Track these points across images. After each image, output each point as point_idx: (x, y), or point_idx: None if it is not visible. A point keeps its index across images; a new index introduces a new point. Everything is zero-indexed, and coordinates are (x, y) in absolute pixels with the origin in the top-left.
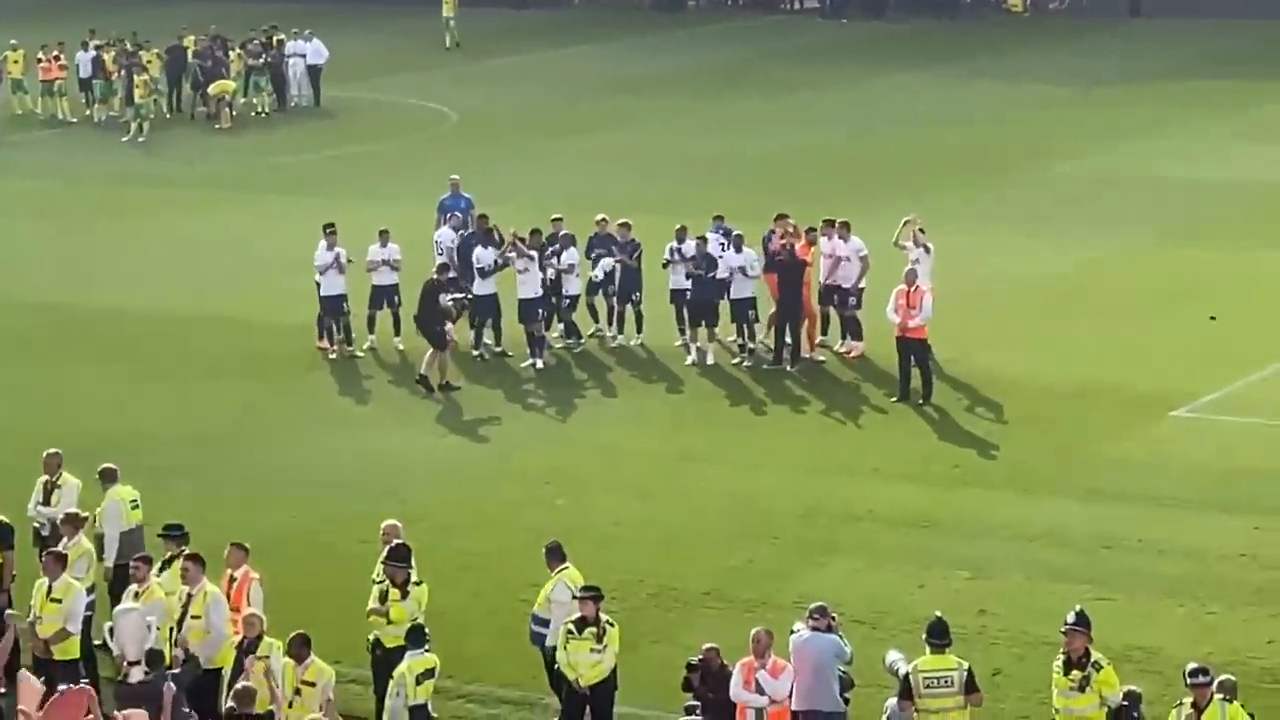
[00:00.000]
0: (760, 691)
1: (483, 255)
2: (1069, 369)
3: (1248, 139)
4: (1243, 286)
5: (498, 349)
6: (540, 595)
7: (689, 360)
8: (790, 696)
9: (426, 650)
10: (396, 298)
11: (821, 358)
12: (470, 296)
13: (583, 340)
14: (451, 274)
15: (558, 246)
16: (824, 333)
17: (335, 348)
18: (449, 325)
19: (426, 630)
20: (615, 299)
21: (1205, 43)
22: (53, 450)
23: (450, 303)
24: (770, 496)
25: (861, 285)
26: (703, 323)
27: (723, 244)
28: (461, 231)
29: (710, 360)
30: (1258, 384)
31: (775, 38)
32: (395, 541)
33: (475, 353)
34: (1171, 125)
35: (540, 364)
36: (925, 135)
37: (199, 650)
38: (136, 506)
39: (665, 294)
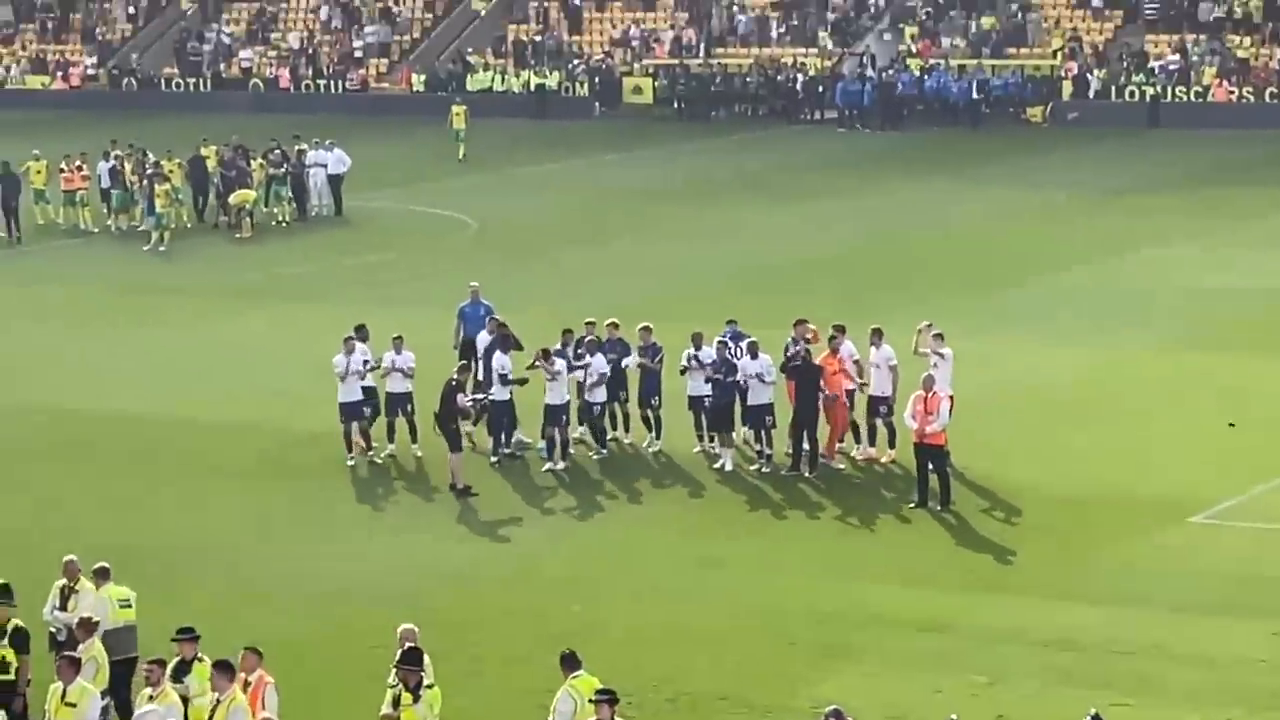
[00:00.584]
0: None
1: (502, 361)
2: (1086, 474)
3: (1263, 246)
4: (1260, 393)
5: (507, 450)
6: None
7: (714, 466)
8: None
9: None
10: (410, 405)
11: (841, 465)
12: (489, 399)
13: (605, 450)
14: (470, 374)
15: (584, 351)
16: (858, 441)
17: (353, 454)
18: (467, 425)
19: None
20: (614, 403)
21: (1221, 152)
22: (71, 557)
23: (469, 403)
24: (787, 601)
25: (891, 393)
26: (721, 429)
27: (730, 347)
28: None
29: (729, 467)
30: (1276, 490)
31: (795, 147)
32: (408, 645)
33: (493, 460)
34: (1187, 232)
35: (561, 466)
36: (942, 242)
37: None
38: (127, 606)
39: (682, 400)
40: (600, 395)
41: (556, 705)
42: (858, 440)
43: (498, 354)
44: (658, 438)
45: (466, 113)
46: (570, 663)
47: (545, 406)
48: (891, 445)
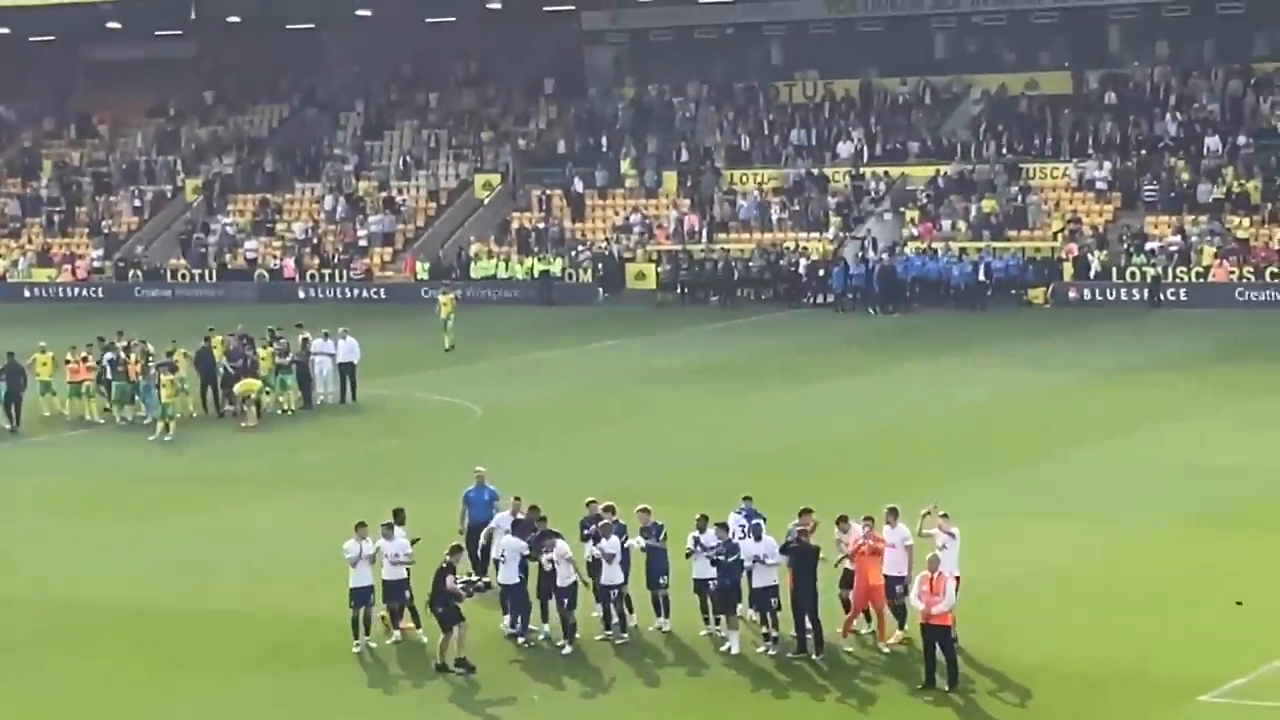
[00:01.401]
0: None
1: (516, 543)
2: (1095, 653)
3: (1268, 425)
4: (1266, 571)
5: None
6: None
7: (721, 650)
8: None
9: None
10: (407, 592)
11: (849, 647)
12: (483, 582)
13: (625, 634)
14: (461, 556)
15: (594, 529)
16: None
17: (359, 642)
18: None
19: None
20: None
21: (1224, 331)
22: None
23: (460, 586)
24: None
25: (907, 573)
26: (726, 611)
27: (743, 526)
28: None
29: (736, 649)
30: None
31: (798, 330)
32: None
33: (521, 640)
34: (1191, 411)
35: (569, 649)
36: (947, 423)
37: None
38: None
39: (687, 583)
40: (618, 576)
41: None
42: (868, 620)
43: (510, 536)
44: (666, 617)
45: (454, 301)
46: None
47: (556, 588)
48: (901, 625)
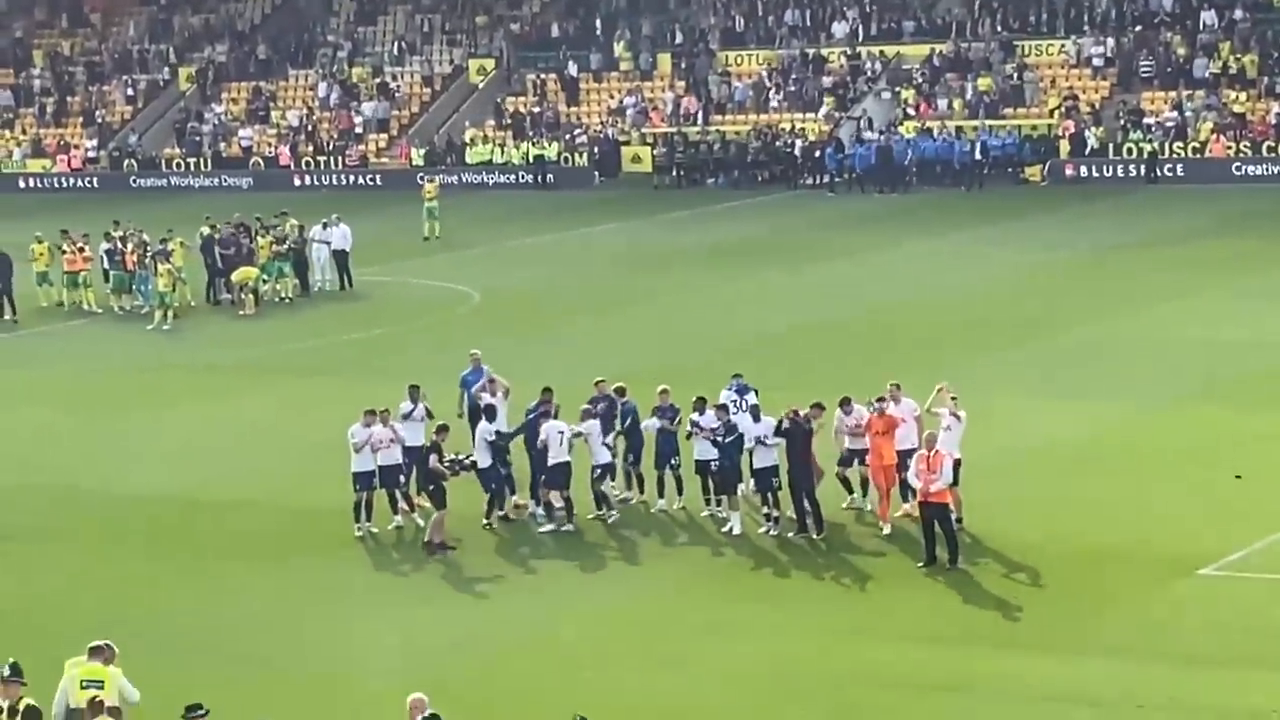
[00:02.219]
0: None
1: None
2: (1095, 529)
3: (1265, 299)
4: (1265, 445)
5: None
6: None
7: (723, 530)
8: None
9: None
10: (402, 477)
11: (886, 529)
12: (472, 460)
13: (615, 511)
14: (447, 435)
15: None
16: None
17: (361, 527)
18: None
19: None
20: (632, 465)
21: (1222, 206)
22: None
23: (445, 466)
24: (798, 664)
25: (918, 444)
26: (727, 492)
27: (734, 401)
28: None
29: (738, 529)
30: None
31: (795, 212)
32: (428, 712)
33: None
34: (1190, 287)
35: (570, 528)
36: (946, 302)
37: None
38: (89, 686)
39: (689, 464)
40: (605, 457)
41: None
42: (850, 492)
43: (482, 421)
44: (679, 494)
45: (438, 189)
46: None
47: (549, 466)
48: (906, 500)
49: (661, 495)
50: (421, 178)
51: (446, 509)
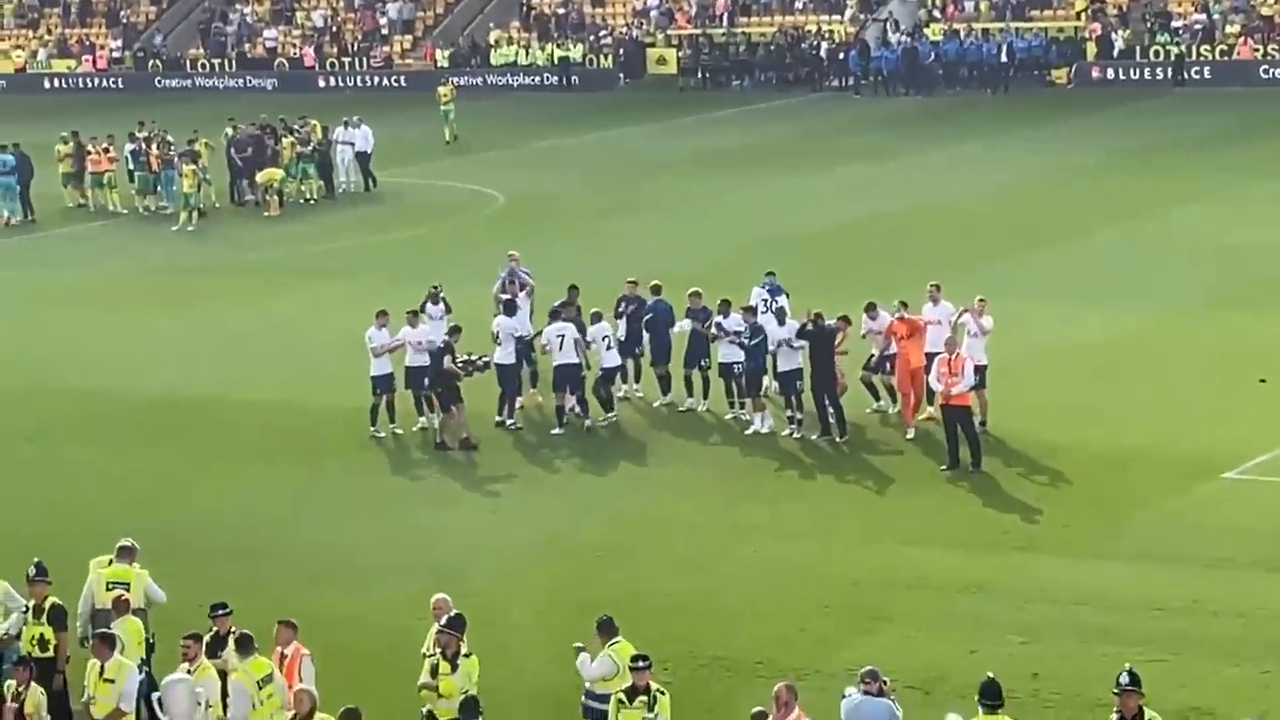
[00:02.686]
0: None
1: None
2: (1117, 434)
3: None
4: None
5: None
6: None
7: (747, 432)
8: None
9: None
10: (426, 380)
11: (910, 434)
12: (485, 361)
13: (614, 415)
14: (460, 336)
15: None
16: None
17: (377, 429)
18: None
19: (480, 704)
20: (654, 365)
21: (1249, 109)
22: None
23: (458, 366)
24: (820, 565)
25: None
26: (753, 393)
27: (765, 300)
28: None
29: (765, 429)
30: None
31: (821, 115)
32: (453, 613)
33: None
34: (1216, 190)
35: (588, 423)
36: (971, 205)
37: None
38: (114, 588)
39: (714, 367)
40: (614, 359)
41: (595, 670)
42: (877, 398)
43: (502, 317)
44: (705, 397)
45: (454, 92)
46: (607, 629)
47: (556, 367)
48: (931, 403)
49: (691, 395)
50: (445, 80)
51: (457, 409)
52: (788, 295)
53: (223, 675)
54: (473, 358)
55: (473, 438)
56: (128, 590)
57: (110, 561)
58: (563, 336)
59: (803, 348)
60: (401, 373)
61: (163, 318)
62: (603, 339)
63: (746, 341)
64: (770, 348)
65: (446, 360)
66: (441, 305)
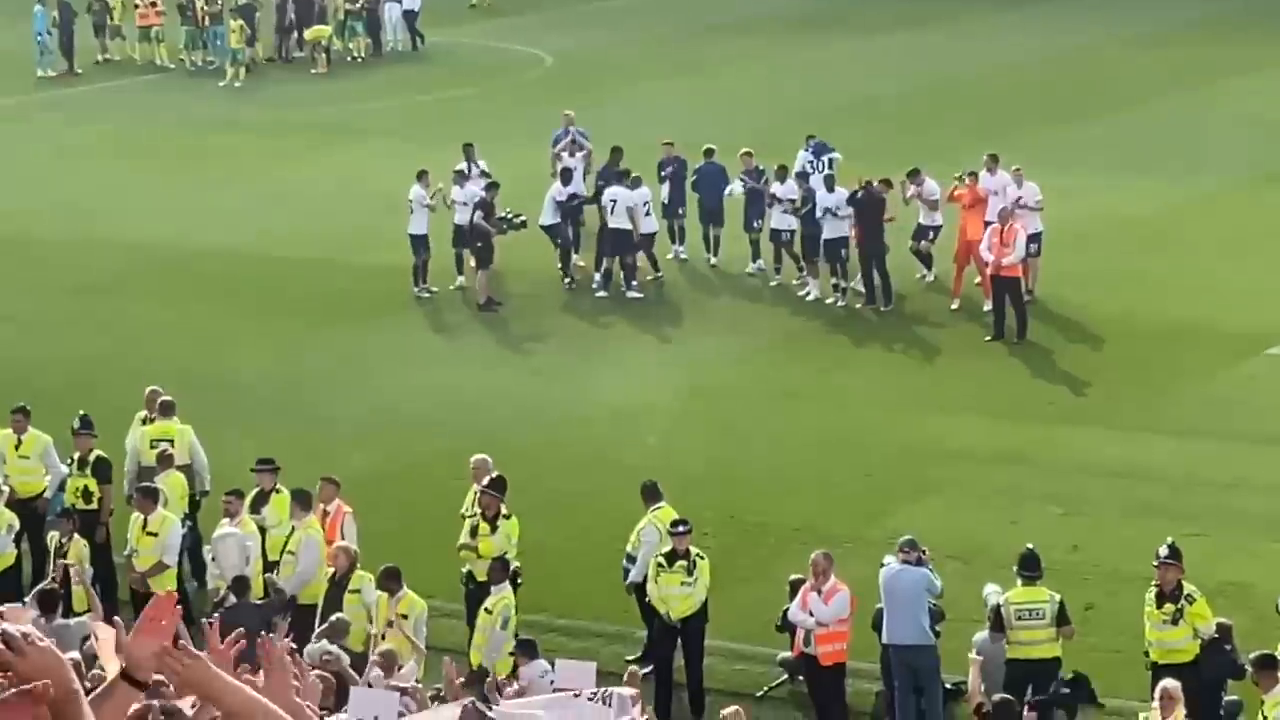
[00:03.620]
0: (811, 614)
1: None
2: (1163, 308)
3: None
4: None
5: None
6: (633, 534)
7: (802, 293)
8: (838, 621)
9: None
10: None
11: (955, 305)
12: (522, 219)
13: (660, 274)
14: (498, 192)
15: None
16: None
17: (421, 288)
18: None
19: (513, 566)
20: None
21: None
22: (154, 388)
23: (491, 224)
24: (863, 434)
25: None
26: (807, 258)
27: (811, 162)
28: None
29: (815, 295)
30: None
31: None
32: (495, 474)
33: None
34: (1267, 63)
35: (636, 294)
36: (1016, 76)
37: (287, 585)
38: (155, 445)
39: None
40: (652, 225)
41: (641, 536)
42: (928, 267)
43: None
44: (755, 259)
45: None
46: (652, 494)
47: (613, 232)
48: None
49: (757, 258)
50: None
51: (482, 272)
52: (834, 152)
53: (262, 531)
54: (509, 215)
55: (495, 297)
56: (171, 446)
57: (150, 419)
58: (615, 201)
59: (849, 216)
60: (447, 231)
61: (208, 173)
62: (643, 204)
63: (799, 210)
64: (818, 215)
65: (478, 216)
66: (480, 164)
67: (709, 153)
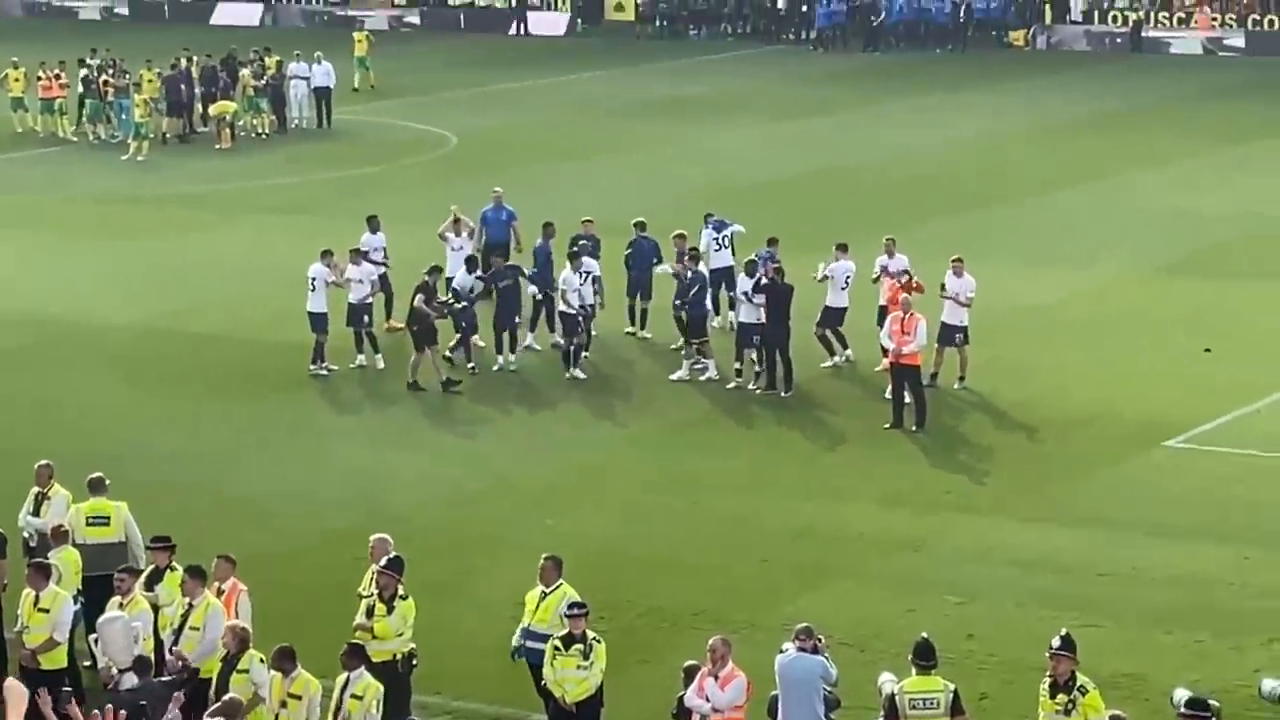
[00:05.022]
0: (708, 700)
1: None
2: (1064, 397)
3: (1246, 171)
4: (1239, 317)
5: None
6: (528, 609)
7: (673, 376)
8: (734, 707)
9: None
10: (367, 317)
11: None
12: (455, 305)
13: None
14: (440, 276)
15: (580, 251)
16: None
17: (318, 365)
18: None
19: (409, 648)
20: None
21: (1206, 76)
22: (44, 462)
23: (431, 308)
24: (762, 519)
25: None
26: (698, 338)
27: (716, 239)
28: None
29: (715, 375)
30: (1251, 416)
31: (776, 67)
32: (392, 554)
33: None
34: (1170, 156)
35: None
36: (923, 164)
37: (193, 659)
38: (94, 524)
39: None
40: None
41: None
42: (830, 353)
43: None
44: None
45: (369, 39)
46: (554, 570)
47: (561, 315)
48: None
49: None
50: (360, 25)
51: (431, 351)
52: (731, 226)
53: (155, 609)
54: (449, 300)
55: (451, 378)
56: (108, 524)
57: (43, 495)
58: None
59: (761, 303)
60: (342, 310)
61: (110, 247)
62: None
63: (689, 290)
64: (733, 296)
65: (419, 299)
66: (381, 235)
67: (640, 225)
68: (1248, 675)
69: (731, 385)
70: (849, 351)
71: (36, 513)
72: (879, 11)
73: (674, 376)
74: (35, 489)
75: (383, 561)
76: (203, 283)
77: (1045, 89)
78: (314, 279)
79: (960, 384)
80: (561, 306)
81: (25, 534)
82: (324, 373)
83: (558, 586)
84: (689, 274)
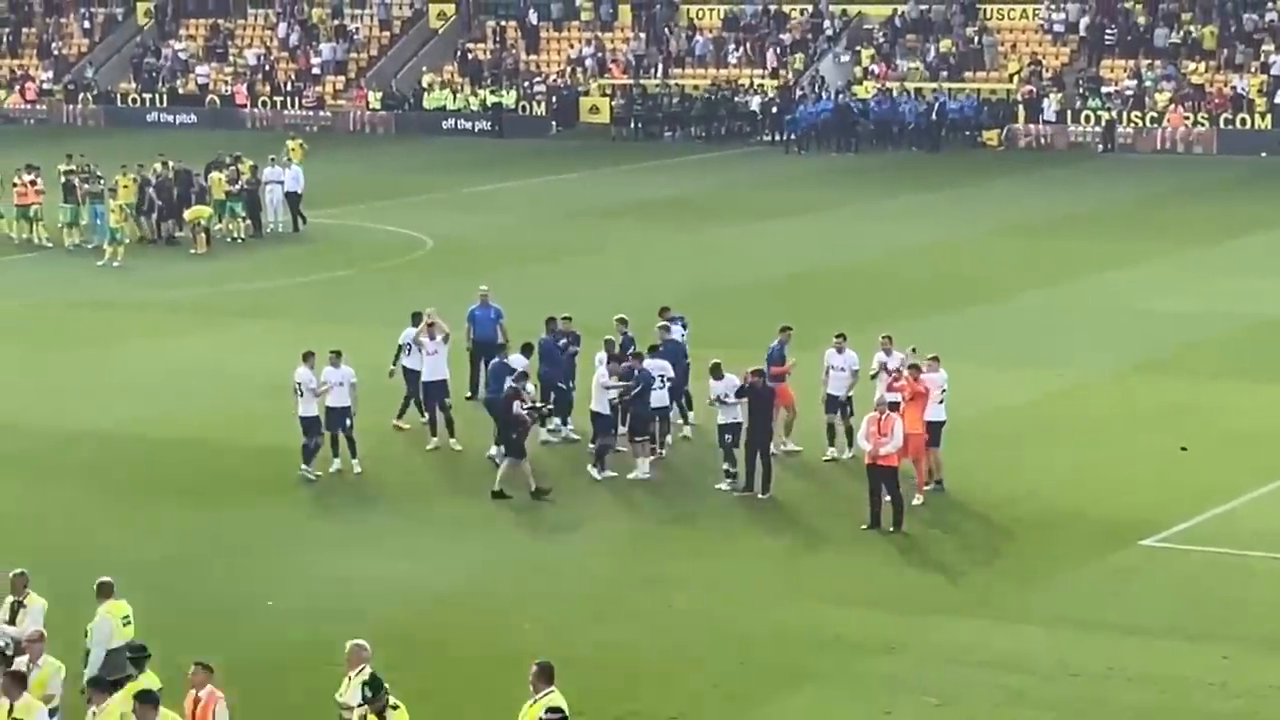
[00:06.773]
0: None
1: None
2: (1039, 497)
3: (1219, 271)
4: (1213, 417)
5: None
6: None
7: (632, 475)
8: None
9: None
10: (349, 420)
11: (918, 500)
12: (548, 407)
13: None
14: (528, 380)
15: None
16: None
17: (307, 469)
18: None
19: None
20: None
21: (1178, 176)
22: (19, 570)
23: (525, 412)
24: (739, 621)
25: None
26: (638, 434)
27: (682, 334)
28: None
29: (645, 475)
30: (1226, 515)
31: (750, 169)
32: (368, 670)
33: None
34: (1143, 256)
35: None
36: (895, 264)
37: None
38: (128, 623)
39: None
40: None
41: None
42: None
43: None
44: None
45: (303, 146)
46: (545, 676)
47: (593, 414)
48: (850, 444)
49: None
50: (294, 135)
51: (526, 457)
52: (683, 322)
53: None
54: (538, 405)
55: (544, 485)
56: (130, 624)
57: (19, 603)
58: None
59: (739, 404)
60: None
61: (86, 353)
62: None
63: (630, 387)
64: (708, 400)
65: (516, 406)
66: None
67: (622, 321)
68: None
69: (718, 485)
70: (852, 451)
71: (12, 621)
72: (856, 113)
73: (631, 476)
74: (10, 598)
75: (361, 690)
76: (176, 388)
77: (1016, 189)
78: (299, 384)
79: (936, 485)
80: (594, 406)
81: (1, 643)
82: (313, 477)
83: (547, 693)
84: (635, 372)
